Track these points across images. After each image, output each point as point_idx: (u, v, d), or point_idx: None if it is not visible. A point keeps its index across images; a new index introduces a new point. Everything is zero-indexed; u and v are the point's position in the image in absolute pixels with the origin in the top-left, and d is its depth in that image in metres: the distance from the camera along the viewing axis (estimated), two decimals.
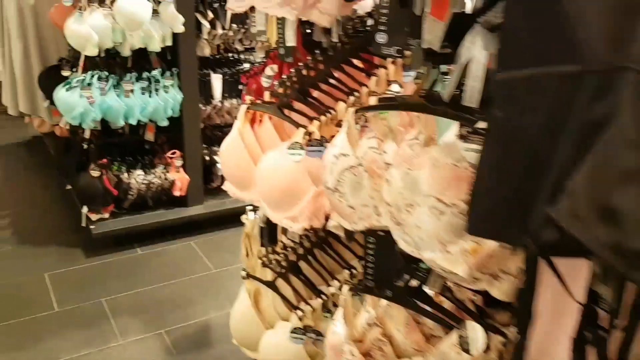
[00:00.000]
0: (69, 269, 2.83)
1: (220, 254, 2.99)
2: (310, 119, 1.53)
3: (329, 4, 1.33)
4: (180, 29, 2.85)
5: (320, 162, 1.45)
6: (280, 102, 1.58)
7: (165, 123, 3.05)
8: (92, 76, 2.79)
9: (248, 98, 1.68)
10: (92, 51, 2.70)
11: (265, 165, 1.48)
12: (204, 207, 3.29)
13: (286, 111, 1.58)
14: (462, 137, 0.86)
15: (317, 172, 1.46)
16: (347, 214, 0.94)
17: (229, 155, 1.64)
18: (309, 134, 1.45)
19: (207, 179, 3.38)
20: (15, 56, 3.67)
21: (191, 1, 2.92)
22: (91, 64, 2.86)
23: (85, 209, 2.99)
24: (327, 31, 1.61)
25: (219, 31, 3.06)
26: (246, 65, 3.29)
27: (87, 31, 2.64)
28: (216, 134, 3.44)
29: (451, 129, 1.07)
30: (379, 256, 0.95)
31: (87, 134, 2.96)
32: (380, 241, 0.93)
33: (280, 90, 1.59)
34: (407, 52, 0.87)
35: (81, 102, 2.76)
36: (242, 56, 3.42)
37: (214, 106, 3.27)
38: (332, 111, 1.49)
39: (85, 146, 3.12)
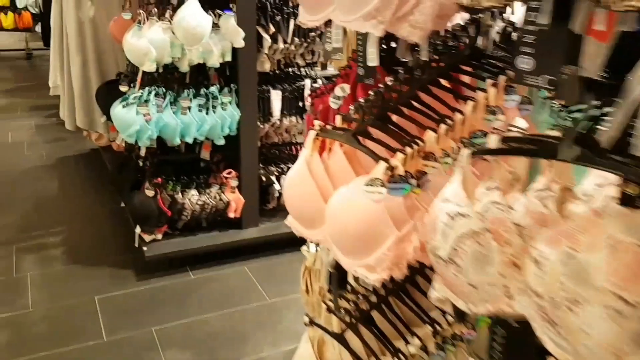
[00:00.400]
0: (120, 292, 2.71)
1: (276, 282, 2.80)
2: (392, 150, 1.31)
3: (423, 16, 1.12)
4: (241, 43, 2.71)
5: (403, 202, 1.24)
6: (356, 129, 1.37)
7: (221, 142, 2.91)
8: (150, 92, 2.69)
9: (317, 123, 1.48)
10: (150, 67, 2.59)
11: (338, 204, 1.28)
12: (259, 230, 3.12)
13: (362, 139, 1.37)
14: (628, 201, 0.62)
15: (400, 213, 1.25)
16: (465, 293, 0.72)
17: (295, 188, 1.44)
18: (391, 168, 1.23)
19: (263, 199, 3.22)
20: (73, 70, 3.64)
21: (253, 14, 2.77)
22: (149, 79, 2.76)
23: (138, 229, 2.89)
24: (412, 47, 1.40)
25: (281, 45, 2.90)
26: (307, 81, 3.12)
27: (146, 46, 2.53)
28: (274, 152, 3.28)
29: (588, 177, 0.83)
30: (508, 353, 0.73)
31: (142, 152, 2.86)
32: (512, 335, 0.70)
33: (357, 115, 1.39)
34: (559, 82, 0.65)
35: (138, 120, 2.65)
36: (302, 71, 3.26)
37: (272, 124, 3.11)
38: (418, 141, 1.27)
39: (140, 163, 3.03)
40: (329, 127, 1.48)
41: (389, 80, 1.39)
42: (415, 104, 1.36)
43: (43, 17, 7.35)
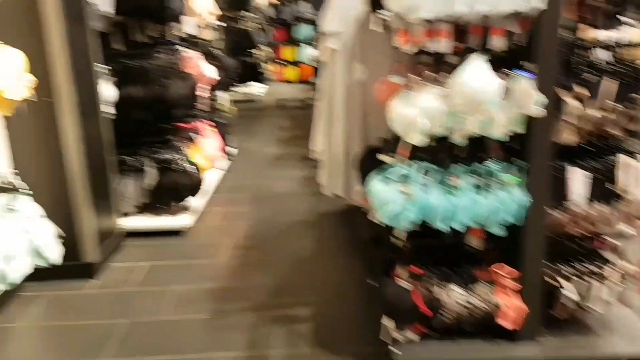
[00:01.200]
0: None
1: None
2: None
3: None
4: (536, 110, 2.08)
5: None
6: None
7: (498, 231, 2.30)
8: (414, 169, 2.25)
9: None
10: (416, 139, 2.16)
11: None
12: (540, 347, 2.38)
13: None
14: None
15: None
16: None
17: None
18: None
19: (546, 304, 2.47)
20: (337, 135, 3.47)
21: (553, 73, 2.13)
22: (415, 150, 2.33)
23: (386, 323, 2.45)
24: None
25: (591, 112, 2.17)
26: (623, 158, 2.30)
27: (414, 115, 2.11)
28: (568, 246, 2.51)
29: None
30: None
31: (402, 236, 2.43)
32: None
33: None
34: None
35: (398, 200, 2.23)
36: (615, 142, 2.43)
37: (568, 210, 2.37)
38: None
39: (396, 243, 2.61)
40: None
41: None
42: None
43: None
